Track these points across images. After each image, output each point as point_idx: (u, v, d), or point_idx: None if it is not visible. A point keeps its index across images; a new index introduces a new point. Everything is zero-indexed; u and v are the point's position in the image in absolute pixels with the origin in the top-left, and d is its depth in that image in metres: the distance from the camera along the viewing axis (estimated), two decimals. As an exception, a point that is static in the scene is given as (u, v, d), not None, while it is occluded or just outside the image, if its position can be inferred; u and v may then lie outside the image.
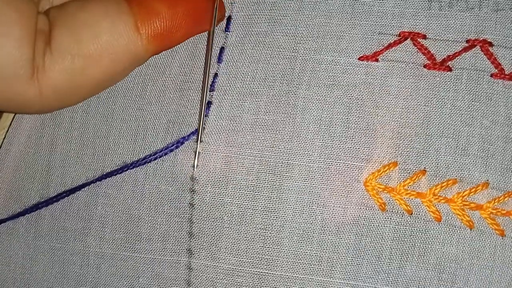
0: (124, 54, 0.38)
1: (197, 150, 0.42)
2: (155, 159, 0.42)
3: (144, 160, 0.42)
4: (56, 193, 0.43)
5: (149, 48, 0.38)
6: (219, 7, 0.41)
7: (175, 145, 0.42)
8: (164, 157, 0.42)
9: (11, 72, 0.36)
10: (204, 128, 0.42)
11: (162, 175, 0.42)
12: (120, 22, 0.37)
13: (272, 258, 0.41)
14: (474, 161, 0.40)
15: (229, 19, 0.43)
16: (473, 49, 0.41)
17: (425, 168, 0.40)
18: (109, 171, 0.43)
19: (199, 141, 0.42)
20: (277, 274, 0.41)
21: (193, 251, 0.42)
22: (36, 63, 0.36)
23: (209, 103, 0.42)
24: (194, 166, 0.42)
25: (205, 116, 0.42)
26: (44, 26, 0.37)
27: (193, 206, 0.42)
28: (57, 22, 0.37)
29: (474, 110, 0.40)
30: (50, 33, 0.37)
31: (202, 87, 0.42)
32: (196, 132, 0.42)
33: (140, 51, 0.38)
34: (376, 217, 0.40)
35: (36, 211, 0.44)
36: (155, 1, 0.38)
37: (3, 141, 0.44)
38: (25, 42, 0.36)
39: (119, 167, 0.43)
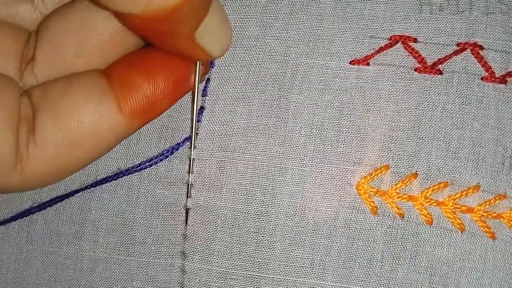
0: (107, 135, 0.37)
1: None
2: (150, 165, 0.42)
3: (139, 167, 0.42)
4: (48, 197, 0.43)
5: (133, 124, 0.38)
6: (203, 65, 0.40)
7: (170, 152, 0.42)
8: (159, 162, 0.42)
9: None
10: (197, 133, 0.42)
11: (157, 179, 0.43)
12: (103, 105, 0.36)
13: (264, 261, 0.41)
14: (465, 164, 0.40)
15: (220, 22, 0.43)
16: (464, 52, 0.41)
17: (416, 171, 0.40)
18: (103, 176, 0.43)
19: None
20: (270, 277, 0.41)
21: (187, 254, 0.42)
22: (20, 153, 0.36)
23: (202, 108, 0.42)
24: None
25: (198, 121, 0.42)
26: (27, 110, 0.36)
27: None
28: (40, 108, 0.36)
29: (465, 113, 0.40)
30: (33, 119, 0.36)
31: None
32: (190, 137, 0.42)
33: (123, 129, 0.37)
34: (368, 220, 0.40)
35: (29, 215, 0.44)
36: (135, 76, 0.37)
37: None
38: (7, 137, 0.35)
39: (113, 174, 0.43)
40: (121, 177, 0.43)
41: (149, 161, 0.42)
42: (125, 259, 0.43)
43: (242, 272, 0.42)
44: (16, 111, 0.36)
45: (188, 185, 0.42)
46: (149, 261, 0.43)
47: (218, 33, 0.37)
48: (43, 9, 0.39)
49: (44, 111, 0.36)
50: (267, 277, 0.41)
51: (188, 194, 0.42)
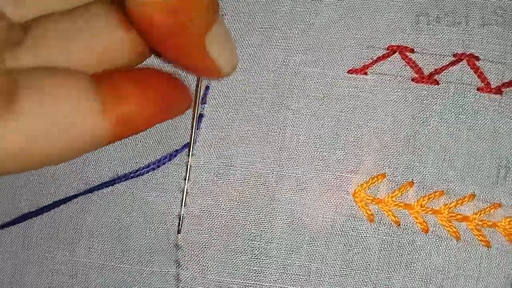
0: (84, 135, 0.35)
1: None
2: (147, 171, 0.42)
3: (137, 173, 0.42)
4: (45, 203, 0.43)
5: (116, 132, 0.36)
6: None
7: (167, 158, 0.42)
8: (157, 168, 0.43)
9: None
10: (195, 141, 0.42)
11: (152, 186, 0.42)
12: (86, 106, 0.35)
13: (261, 269, 0.41)
14: (461, 173, 0.40)
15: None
16: (460, 63, 0.41)
17: (412, 180, 0.40)
18: (99, 181, 0.43)
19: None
20: (266, 285, 0.41)
21: (181, 262, 0.42)
22: None
23: (201, 116, 0.42)
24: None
25: (198, 129, 0.42)
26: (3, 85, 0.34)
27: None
28: (22, 88, 0.34)
29: (461, 122, 0.41)
30: (12, 100, 0.34)
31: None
32: (188, 144, 0.42)
33: (104, 134, 0.36)
34: (364, 228, 0.41)
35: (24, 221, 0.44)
36: (125, 83, 0.36)
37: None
38: None
39: (110, 179, 0.43)
40: (118, 182, 0.43)
41: (146, 167, 0.42)
42: (119, 266, 0.43)
43: (238, 281, 0.42)
44: None
45: (183, 192, 0.42)
46: (143, 269, 0.42)
47: (227, 45, 0.37)
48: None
49: (26, 90, 0.34)
50: (263, 285, 0.41)
51: (184, 202, 0.42)
